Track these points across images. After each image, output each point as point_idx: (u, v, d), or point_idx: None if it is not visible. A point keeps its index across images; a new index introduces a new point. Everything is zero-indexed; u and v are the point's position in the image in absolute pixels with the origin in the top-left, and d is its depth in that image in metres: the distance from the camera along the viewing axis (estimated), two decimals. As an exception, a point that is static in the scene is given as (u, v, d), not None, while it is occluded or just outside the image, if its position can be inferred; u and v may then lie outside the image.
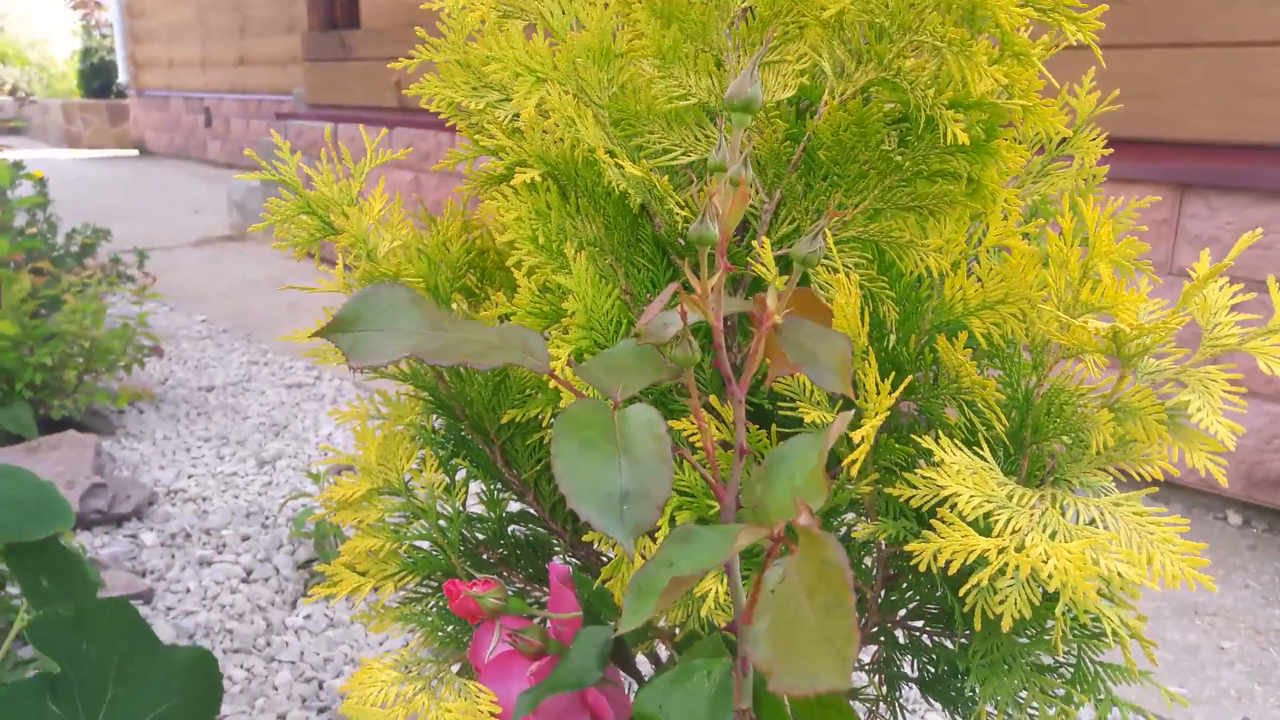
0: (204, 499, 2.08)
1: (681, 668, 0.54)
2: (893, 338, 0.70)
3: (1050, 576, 0.53)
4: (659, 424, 0.45)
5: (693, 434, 0.68)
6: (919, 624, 0.79)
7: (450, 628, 0.82)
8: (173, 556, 1.84)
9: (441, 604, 0.85)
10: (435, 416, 0.88)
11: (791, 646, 0.36)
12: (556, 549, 0.91)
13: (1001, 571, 0.59)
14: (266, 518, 2.02)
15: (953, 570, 0.55)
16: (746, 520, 0.46)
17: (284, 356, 3.22)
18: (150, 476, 2.17)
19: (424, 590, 0.86)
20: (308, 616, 1.69)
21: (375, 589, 0.81)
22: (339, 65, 4.33)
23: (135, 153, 10.38)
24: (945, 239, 0.69)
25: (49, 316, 2.34)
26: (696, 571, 0.40)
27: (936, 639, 0.79)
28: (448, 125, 0.85)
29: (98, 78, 12.11)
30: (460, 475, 0.87)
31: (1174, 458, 0.61)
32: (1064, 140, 0.82)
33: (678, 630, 0.76)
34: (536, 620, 0.75)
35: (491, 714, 0.72)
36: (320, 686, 1.50)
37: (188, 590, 1.73)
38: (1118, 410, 0.62)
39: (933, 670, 0.80)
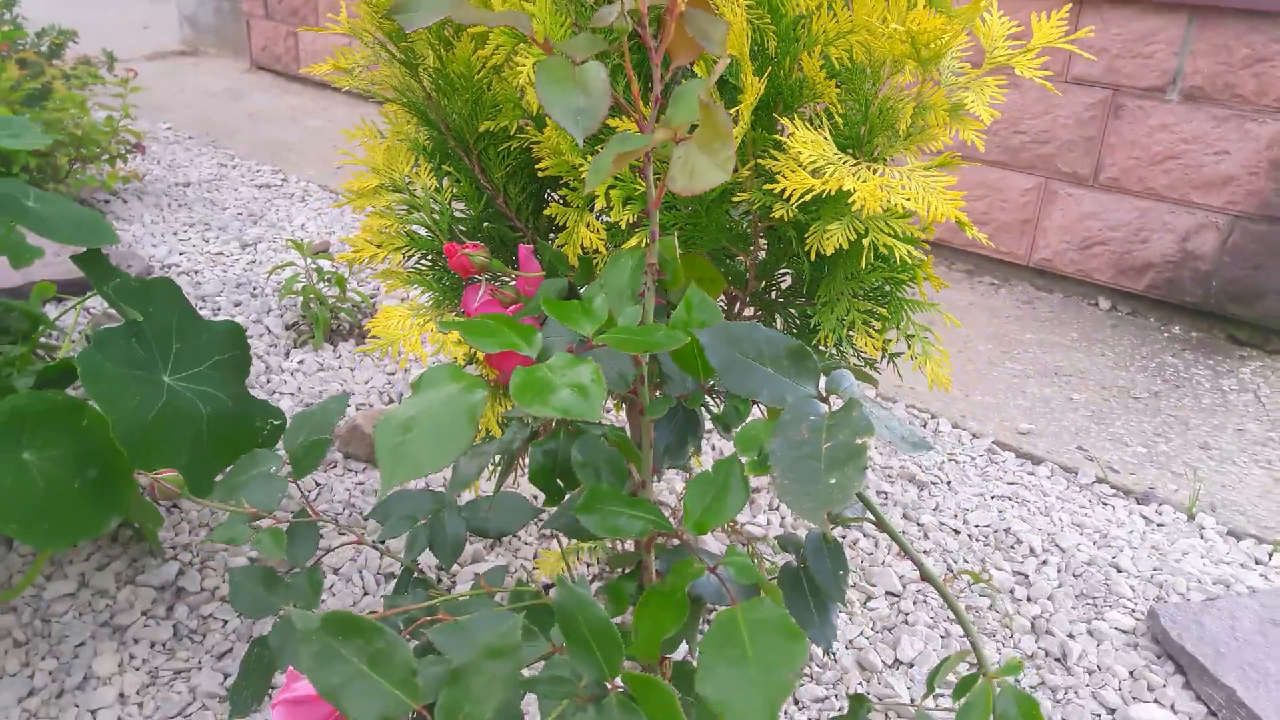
0: (196, 272, 2.31)
1: (611, 259, 0.82)
2: (774, 67, 0.96)
3: (853, 201, 0.81)
4: (602, 71, 0.70)
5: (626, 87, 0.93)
6: (786, 289, 1.07)
7: (444, 284, 1.09)
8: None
9: (436, 273, 1.11)
10: (424, 131, 1.12)
11: (694, 173, 0.62)
12: (521, 240, 1.17)
13: (833, 214, 0.87)
14: (255, 288, 2.26)
15: (793, 199, 0.83)
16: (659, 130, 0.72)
17: (250, 161, 3.38)
18: (145, 252, 2.39)
19: (422, 266, 1.12)
20: (301, 362, 1.96)
21: (386, 260, 1.08)
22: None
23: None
24: (814, -14, 0.94)
25: (37, 105, 2.48)
26: (632, 149, 0.66)
27: (798, 305, 1.08)
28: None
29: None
30: (445, 182, 1.12)
31: (953, 136, 0.88)
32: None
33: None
34: (511, 280, 1.02)
35: (443, 320, 0.99)
36: (318, 407, 1.78)
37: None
38: (919, 104, 0.88)
39: (796, 328, 1.10)
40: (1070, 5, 2.32)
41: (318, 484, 1.56)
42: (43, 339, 1.72)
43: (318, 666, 0.47)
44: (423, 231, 1.10)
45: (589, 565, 1.42)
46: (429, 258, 1.12)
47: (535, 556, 1.44)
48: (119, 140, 2.56)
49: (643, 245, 0.82)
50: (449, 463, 0.61)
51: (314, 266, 2.14)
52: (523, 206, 1.14)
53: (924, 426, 1.90)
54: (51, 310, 2.01)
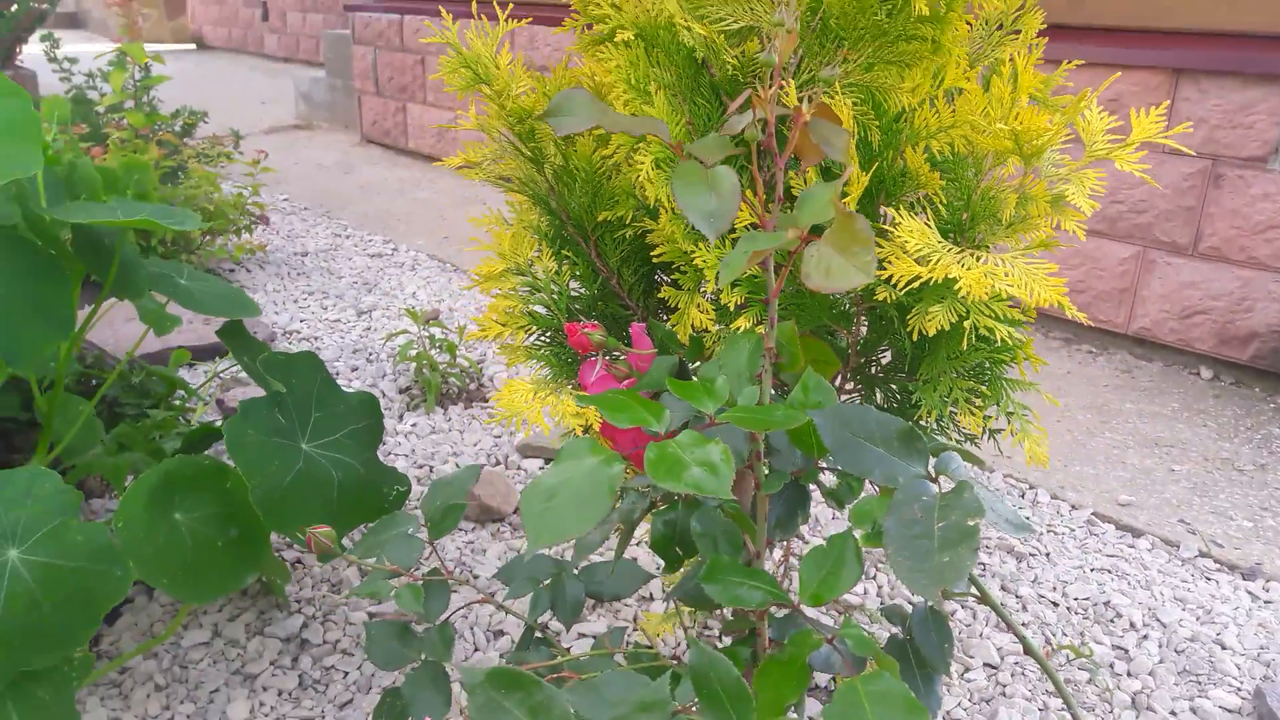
0: (316, 338, 2.45)
1: (727, 341, 0.87)
2: (878, 159, 1.02)
3: (958, 287, 0.85)
4: (733, 176, 0.77)
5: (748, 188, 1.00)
6: (887, 365, 1.12)
7: (561, 359, 1.17)
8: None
9: (553, 348, 1.19)
10: (545, 218, 1.21)
11: (830, 272, 0.68)
12: (633, 318, 1.24)
13: (936, 296, 0.91)
14: (370, 354, 2.39)
15: (899, 285, 0.88)
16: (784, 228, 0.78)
17: (363, 231, 3.56)
18: (268, 320, 2.54)
19: (541, 342, 1.20)
20: (414, 425, 2.06)
21: (510, 337, 1.16)
22: (404, -40, 4.56)
23: (193, 46, 10.64)
24: (916, 84, 1.00)
25: (173, 182, 2.69)
26: (763, 248, 0.72)
27: (899, 380, 1.12)
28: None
29: (153, -29, 12.29)
30: (564, 265, 1.20)
31: (1054, 226, 0.92)
32: (1017, 14, 1.11)
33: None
34: (624, 355, 1.09)
35: (577, 394, 1.06)
36: (431, 470, 1.87)
37: (313, 402, 2.11)
38: (1021, 195, 0.93)
39: (896, 402, 1.13)
40: (1167, 77, 2.34)
41: (430, 542, 1.64)
42: (175, 400, 1.85)
43: (483, 717, 0.53)
44: (543, 311, 1.18)
45: (688, 628, 1.46)
46: (547, 334, 1.20)
47: (635, 618, 1.48)
48: (245, 214, 2.74)
49: (755, 327, 0.88)
50: (589, 529, 0.67)
51: (426, 334, 2.26)
52: (634, 287, 1.21)
53: (1022, 497, 1.90)
54: (183, 373, 2.16)
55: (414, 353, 2.19)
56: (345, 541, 1.44)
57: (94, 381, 1.72)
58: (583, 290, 1.22)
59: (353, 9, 4.89)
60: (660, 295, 1.18)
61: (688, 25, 0.99)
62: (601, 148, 1.09)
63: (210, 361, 2.28)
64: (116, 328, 2.25)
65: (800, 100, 1.02)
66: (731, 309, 1.06)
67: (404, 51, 4.63)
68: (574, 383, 1.17)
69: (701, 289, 1.09)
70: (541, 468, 1.90)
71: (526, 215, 1.21)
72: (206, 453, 1.35)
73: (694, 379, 1.06)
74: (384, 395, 2.20)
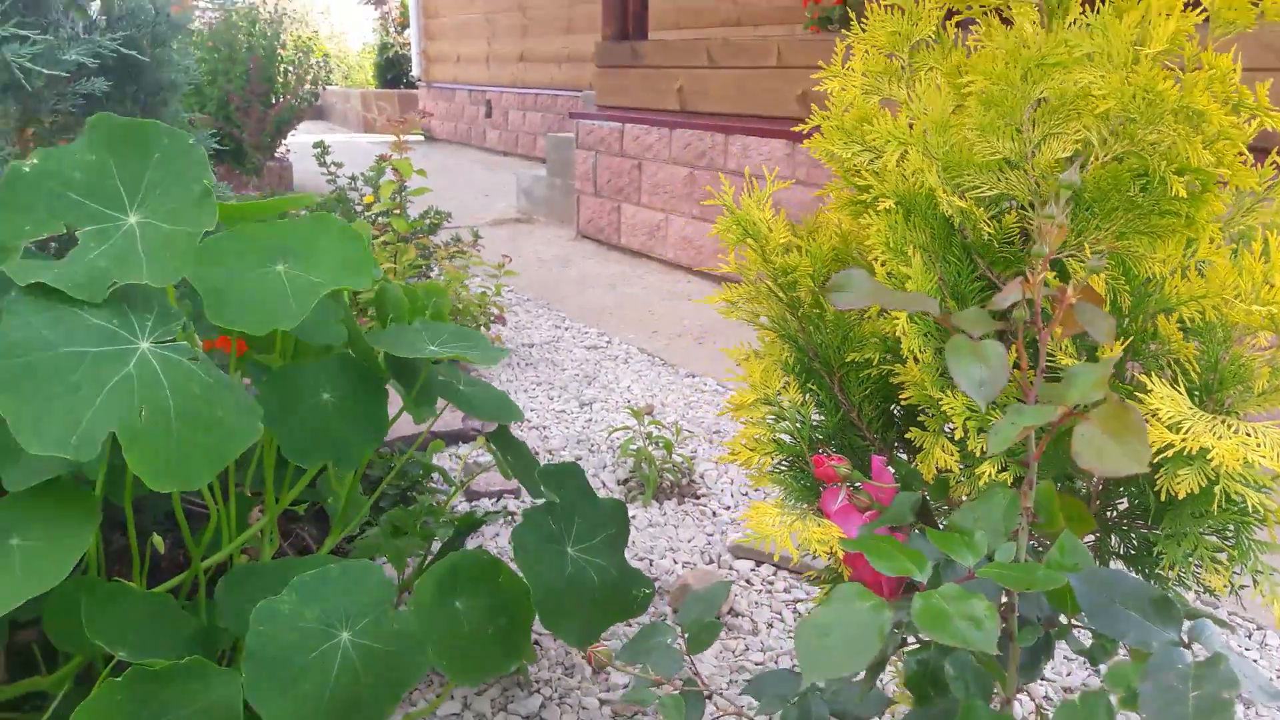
0: (544, 427, 2.65)
1: (981, 493, 0.95)
2: (1126, 320, 1.07)
3: (1211, 458, 0.90)
4: (1000, 349, 0.86)
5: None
6: (1124, 510, 1.15)
7: (801, 483, 1.26)
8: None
9: (793, 473, 1.29)
10: (792, 354, 1.32)
11: (1102, 454, 0.75)
12: (870, 450, 1.32)
13: (1184, 460, 0.96)
14: (592, 445, 2.56)
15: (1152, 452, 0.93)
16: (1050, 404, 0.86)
17: (579, 323, 3.80)
18: (500, 408, 2.77)
19: (782, 467, 1.30)
20: (634, 517, 2.19)
21: (756, 463, 1.26)
22: (627, 71, 4.89)
23: (422, 138, 11.61)
24: (1168, 254, 1.05)
25: (425, 277, 2.98)
26: (1031, 423, 0.80)
27: (1137, 528, 1.15)
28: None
29: (390, 70, 13.57)
30: (807, 397, 1.30)
31: (1310, 400, 0.95)
32: (1270, 184, 1.15)
33: (964, 498, 1.16)
34: (865, 487, 1.17)
35: (839, 537, 1.15)
36: (650, 564, 1.99)
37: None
38: (1273, 368, 0.96)
39: (1134, 549, 1.16)
40: None
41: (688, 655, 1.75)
42: (408, 479, 2.05)
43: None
44: (787, 439, 1.28)
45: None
46: (788, 460, 1.30)
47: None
48: (485, 312, 3.00)
49: (1001, 474, 0.95)
50: (858, 669, 0.76)
51: (646, 431, 2.40)
52: (873, 421, 1.29)
53: (1248, 637, 1.83)
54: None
55: (634, 448, 2.34)
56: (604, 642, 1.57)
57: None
58: (822, 420, 1.31)
59: (577, 116, 5.27)
60: (901, 431, 1.27)
61: (949, 198, 1.09)
62: (856, 299, 1.20)
63: (454, 445, 2.51)
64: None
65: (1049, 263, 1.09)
66: (977, 454, 1.12)
67: (622, 157, 4.94)
68: (815, 508, 1.26)
69: (946, 430, 1.17)
70: (753, 569, 1.99)
71: (774, 349, 1.32)
72: (467, 539, 1.52)
73: (941, 524, 1.13)
74: (604, 486, 2.35)
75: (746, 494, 2.33)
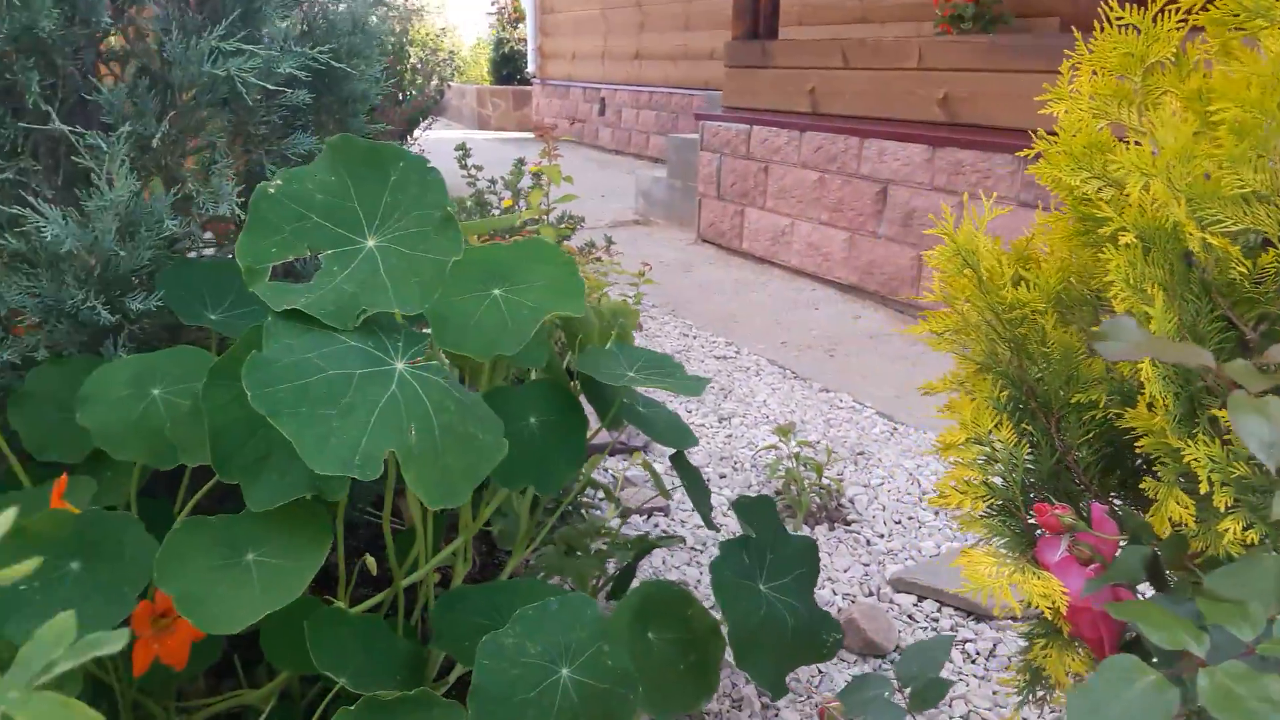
0: (685, 441, 2.63)
1: (1245, 559, 0.88)
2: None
3: None
4: (1281, 410, 0.79)
5: None
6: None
7: (1013, 529, 1.20)
8: (674, 482, 2.38)
9: (1003, 518, 1.23)
10: (1006, 391, 1.26)
11: None
12: (1084, 497, 1.26)
13: None
14: (735, 463, 2.52)
15: None
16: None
17: (706, 331, 3.77)
18: (640, 419, 2.76)
19: (992, 511, 1.24)
20: (784, 540, 2.15)
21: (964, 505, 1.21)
22: (756, 72, 4.84)
23: (532, 136, 11.74)
24: None
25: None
26: None
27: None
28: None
29: (505, 66, 13.74)
30: (1022, 440, 1.24)
31: None
32: None
33: (1198, 558, 1.09)
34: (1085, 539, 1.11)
35: (1061, 591, 1.09)
36: (808, 592, 1.95)
37: (689, 509, 2.26)
38: None
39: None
40: None
41: (820, 671, 1.71)
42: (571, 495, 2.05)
43: None
44: (999, 482, 1.22)
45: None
46: (998, 504, 1.24)
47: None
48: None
49: (1246, 532, 0.88)
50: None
51: (794, 451, 2.36)
52: (1090, 466, 1.22)
53: None
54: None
55: (783, 469, 2.30)
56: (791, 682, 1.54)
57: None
58: (1034, 464, 1.25)
59: (703, 118, 5.23)
60: (1122, 479, 1.20)
61: (1199, 234, 1.02)
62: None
63: (605, 459, 2.51)
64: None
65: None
66: (1222, 509, 1.05)
67: (748, 159, 4.89)
68: (1029, 557, 1.20)
69: (1180, 482, 1.10)
70: (915, 604, 1.93)
71: (982, 385, 1.26)
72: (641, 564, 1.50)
73: (1199, 593, 1.06)
74: (751, 506, 2.31)
75: (900, 522, 2.27)
